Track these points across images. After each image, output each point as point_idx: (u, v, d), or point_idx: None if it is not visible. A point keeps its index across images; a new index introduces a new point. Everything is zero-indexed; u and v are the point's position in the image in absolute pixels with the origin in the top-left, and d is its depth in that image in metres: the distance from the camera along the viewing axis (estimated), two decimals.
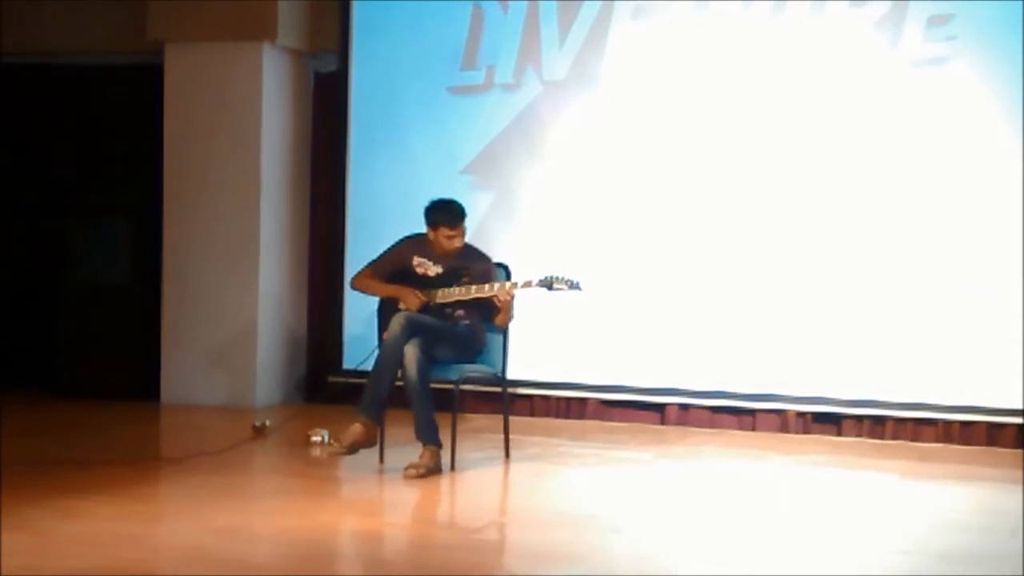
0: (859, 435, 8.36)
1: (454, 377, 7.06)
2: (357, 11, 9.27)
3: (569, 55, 8.88)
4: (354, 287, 7.48)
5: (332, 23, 9.36)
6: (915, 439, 8.26)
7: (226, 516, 5.98)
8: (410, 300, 7.12)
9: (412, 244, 7.32)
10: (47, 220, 9.70)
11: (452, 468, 7.02)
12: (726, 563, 5.46)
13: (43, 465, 6.93)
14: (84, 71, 9.81)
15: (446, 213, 7.18)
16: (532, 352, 8.52)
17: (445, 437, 6.96)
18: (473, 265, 7.20)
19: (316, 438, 7.77)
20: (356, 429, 6.85)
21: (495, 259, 7.43)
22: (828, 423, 8.45)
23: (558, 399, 8.94)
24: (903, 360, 8.25)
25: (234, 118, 9.14)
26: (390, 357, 6.86)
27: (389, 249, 7.39)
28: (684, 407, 8.69)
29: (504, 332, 7.28)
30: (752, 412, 8.58)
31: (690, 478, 7.28)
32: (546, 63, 8.92)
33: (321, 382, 9.29)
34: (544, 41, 8.92)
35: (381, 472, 7.04)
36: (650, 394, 8.73)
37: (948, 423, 8.22)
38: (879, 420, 8.34)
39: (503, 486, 7.10)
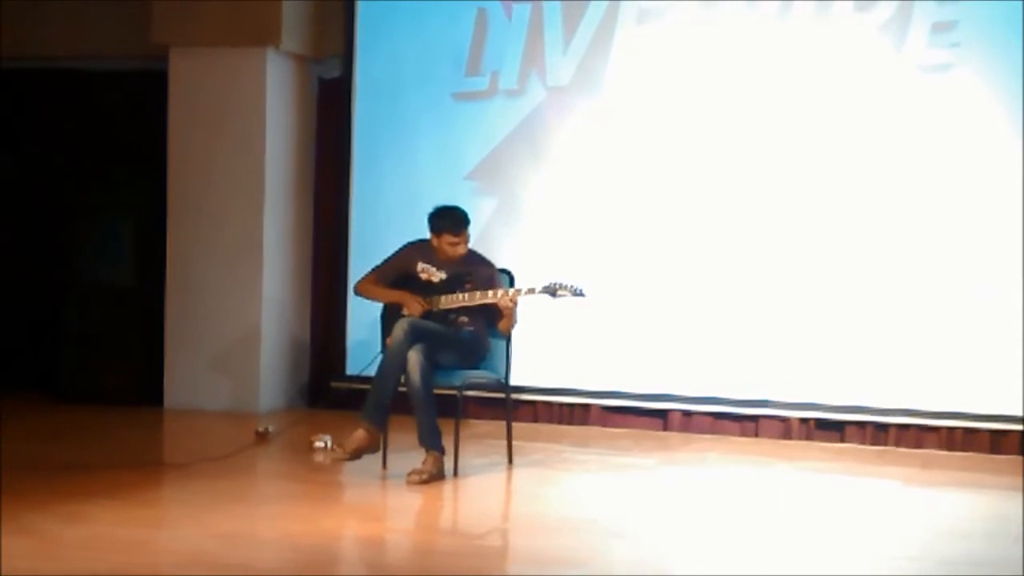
0: (862, 442, 8.36)
1: (457, 383, 7.06)
2: (361, 17, 9.27)
3: (573, 60, 8.89)
4: (357, 293, 7.48)
5: (336, 29, 9.36)
6: (918, 446, 8.26)
7: (229, 521, 5.99)
8: (413, 306, 7.12)
9: (416, 250, 7.33)
10: (51, 224, 9.70)
11: (455, 474, 7.03)
12: (728, 569, 5.46)
13: (46, 469, 6.94)
14: (89, 75, 9.82)
15: (450, 220, 7.19)
16: (535, 358, 8.52)
17: (448, 443, 6.96)
18: (477, 271, 7.20)
19: (319, 443, 7.77)
20: (359, 435, 6.85)
21: (499, 265, 7.44)
22: (831, 430, 8.44)
23: (561, 405, 8.94)
24: (906, 367, 8.25)
25: (238, 123, 9.15)
26: (393, 363, 6.86)
27: (393, 255, 7.39)
28: (687, 413, 8.69)
29: (507, 338, 7.28)
30: (755, 418, 8.58)
31: (693, 484, 7.28)
32: (550, 68, 8.92)
33: (324, 387, 9.29)
34: (548, 46, 8.93)
35: (384, 478, 7.05)
36: (653, 400, 8.73)
37: (951, 430, 8.21)
38: (882, 427, 8.34)
39: (506, 492, 7.10)
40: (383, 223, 9.00)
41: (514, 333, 7.26)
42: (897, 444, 8.29)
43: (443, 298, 7.15)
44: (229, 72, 9.16)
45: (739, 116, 8.58)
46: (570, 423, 8.91)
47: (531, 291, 7.01)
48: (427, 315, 7.09)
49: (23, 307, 9.89)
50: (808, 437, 8.46)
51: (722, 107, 8.62)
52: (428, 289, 7.20)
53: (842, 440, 8.40)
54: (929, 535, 6.13)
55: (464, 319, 7.17)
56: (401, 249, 7.39)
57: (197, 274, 9.18)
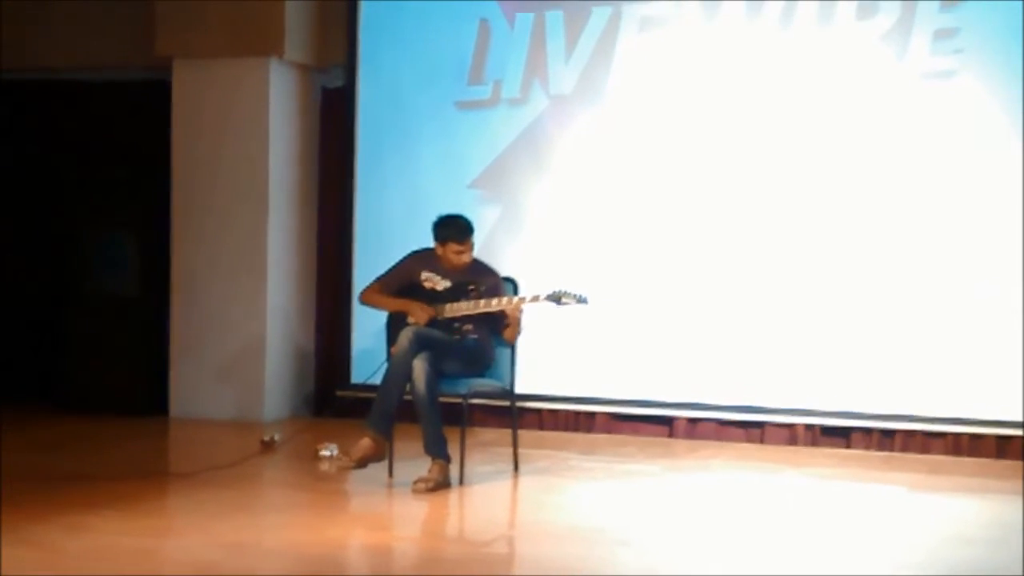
0: (868, 448, 8.35)
1: (463, 391, 7.06)
2: (364, 26, 9.28)
3: (576, 69, 8.90)
4: (362, 302, 7.49)
5: (339, 39, 9.38)
6: (924, 452, 8.25)
7: (235, 531, 5.99)
8: (418, 314, 7.13)
9: (420, 259, 7.33)
10: (55, 234, 9.71)
11: (461, 482, 7.03)
12: None
13: (51, 480, 6.94)
14: (93, 87, 9.85)
15: (454, 229, 7.19)
16: (540, 366, 8.53)
17: (454, 451, 6.96)
18: (481, 280, 7.21)
19: (325, 452, 7.77)
20: (365, 443, 6.85)
21: (503, 273, 7.45)
22: (837, 436, 8.44)
23: (567, 413, 8.94)
24: (912, 373, 8.25)
25: (242, 133, 9.17)
26: (399, 371, 6.87)
27: (397, 264, 7.40)
28: (692, 420, 8.69)
29: (512, 346, 7.28)
30: (761, 425, 8.58)
31: (699, 491, 7.28)
32: (553, 77, 8.93)
33: (330, 396, 9.30)
34: (550, 55, 8.94)
35: (390, 486, 7.04)
36: (658, 407, 8.73)
37: (957, 436, 8.21)
38: (888, 433, 8.34)
39: (512, 500, 7.10)
40: (387, 232, 9.01)
41: (519, 341, 7.26)
42: (903, 450, 8.29)
43: (448, 306, 7.16)
44: (233, 82, 9.18)
45: (742, 124, 8.59)
46: (575, 431, 8.91)
47: (536, 299, 7.01)
48: (432, 323, 7.10)
49: (28, 317, 9.90)
50: (814, 443, 8.46)
51: (725, 115, 8.62)
52: (433, 298, 7.21)
53: (848, 446, 8.39)
54: (935, 541, 6.13)
55: (469, 327, 7.17)
56: (405, 258, 7.40)
57: (202, 283, 9.19)
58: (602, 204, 8.85)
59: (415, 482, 6.85)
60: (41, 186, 9.89)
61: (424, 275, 7.28)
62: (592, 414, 8.89)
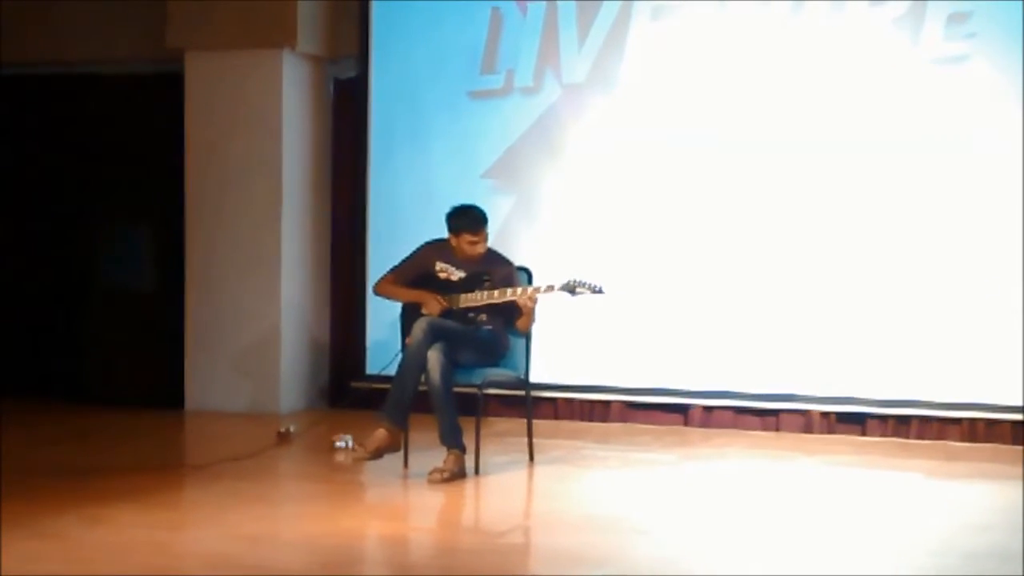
0: (884, 435, 8.34)
1: (477, 381, 7.06)
2: (376, 17, 9.28)
3: (588, 57, 8.88)
4: (377, 293, 7.49)
5: (351, 29, 9.38)
6: (940, 438, 8.23)
7: (251, 522, 6.00)
8: (433, 305, 7.13)
9: (434, 249, 7.33)
10: (70, 228, 9.73)
11: (476, 472, 7.03)
12: (751, 564, 5.46)
13: (68, 472, 6.96)
14: (104, 79, 9.84)
15: (468, 219, 7.19)
16: (555, 355, 8.53)
17: (469, 441, 6.96)
18: (495, 270, 7.20)
19: (340, 443, 7.79)
20: (380, 434, 6.86)
21: (517, 263, 7.44)
22: (852, 423, 8.42)
23: (581, 402, 8.94)
24: (928, 359, 8.23)
25: (255, 125, 9.16)
26: (413, 362, 6.87)
27: (411, 255, 7.40)
28: (708, 409, 8.68)
29: (527, 336, 7.28)
30: (776, 413, 8.57)
31: (714, 480, 7.27)
32: (565, 66, 8.92)
33: (344, 387, 9.30)
34: (563, 44, 8.93)
35: (406, 477, 7.05)
36: (673, 396, 8.72)
37: (973, 422, 8.19)
38: (904, 420, 8.32)
39: (527, 489, 7.10)
40: (400, 222, 9.01)
41: (533, 331, 7.26)
42: (919, 436, 8.27)
43: (462, 297, 7.15)
44: (245, 74, 9.18)
45: (755, 111, 8.57)
46: (591, 420, 8.91)
47: (550, 289, 7.01)
48: (446, 314, 7.10)
49: (44, 312, 9.92)
50: (829, 431, 8.45)
51: (737, 102, 8.60)
52: (447, 288, 7.20)
53: (864, 433, 8.38)
54: (952, 528, 6.11)
55: (483, 317, 7.17)
56: (419, 249, 7.40)
57: (216, 277, 9.20)
58: (616, 193, 8.84)
59: (431, 472, 6.85)
60: (54, 181, 9.90)
61: (438, 266, 7.28)
62: (607, 403, 8.88)
